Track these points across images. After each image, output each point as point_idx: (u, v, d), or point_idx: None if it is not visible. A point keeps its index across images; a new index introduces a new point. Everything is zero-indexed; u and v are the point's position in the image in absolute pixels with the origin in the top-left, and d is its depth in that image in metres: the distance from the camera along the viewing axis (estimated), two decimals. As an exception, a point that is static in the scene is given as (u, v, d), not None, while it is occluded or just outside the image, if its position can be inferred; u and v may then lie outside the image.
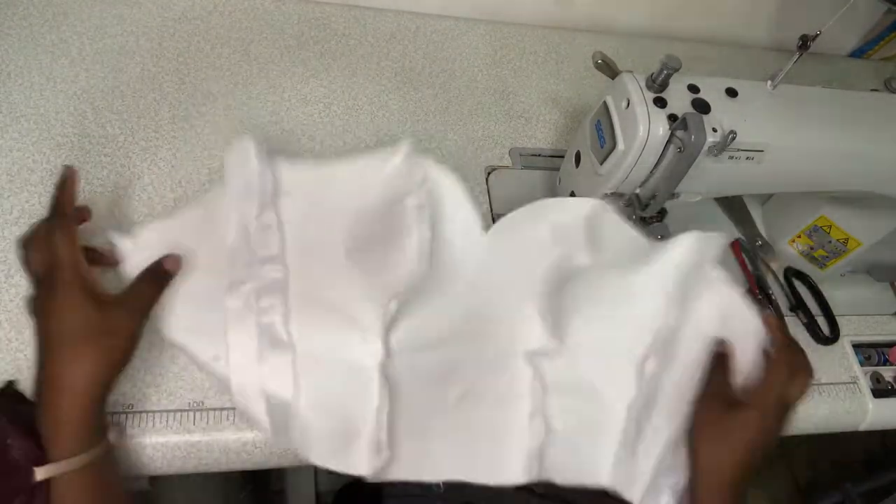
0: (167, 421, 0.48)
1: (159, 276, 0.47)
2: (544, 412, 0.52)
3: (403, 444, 0.49)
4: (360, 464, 0.47)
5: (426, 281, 0.52)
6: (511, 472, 0.50)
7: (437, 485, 0.49)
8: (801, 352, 0.51)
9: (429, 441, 0.50)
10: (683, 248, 0.51)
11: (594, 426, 0.53)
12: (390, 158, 0.52)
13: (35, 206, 0.54)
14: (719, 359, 0.52)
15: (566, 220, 0.54)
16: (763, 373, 0.50)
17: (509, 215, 0.54)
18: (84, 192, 0.56)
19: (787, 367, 0.49)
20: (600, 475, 0.52)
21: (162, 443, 0.48)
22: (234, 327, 0.47)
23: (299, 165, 0.52)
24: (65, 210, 0.45)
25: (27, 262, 0.45)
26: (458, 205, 0.54)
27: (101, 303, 0.43)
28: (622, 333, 0.53)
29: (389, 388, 0.50)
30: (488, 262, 0.54)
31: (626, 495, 0.51)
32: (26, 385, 0.46)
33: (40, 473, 0.39)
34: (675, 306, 0.51)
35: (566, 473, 0.52)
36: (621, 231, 0.54)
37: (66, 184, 0.46)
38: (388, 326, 0.50)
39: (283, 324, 0.48)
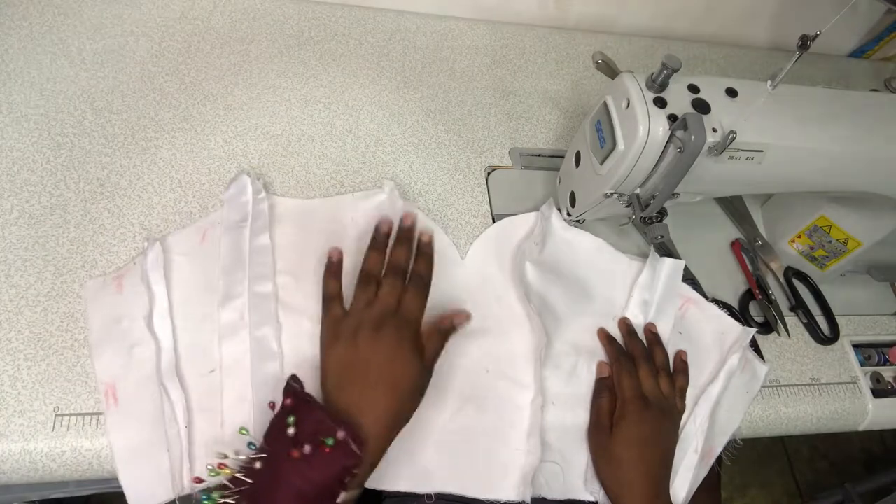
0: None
1: (446, 330, 0.50)
2: (542, 427, 0.53)
3: (397, 455, 0.49)
4: None
5: None
6: (505, 489, 0.51)
7: (429, 496, 0.50)
8: (632, 352, 0.57)
9: (424, 451, 0.51)
10: (666, 271, 0.60)
11: (581, 435, 0.55)
12: (377, 194, 0.61)
13: (35, 206, 0.54)
14: (598, 384, 0.56)
15: (525, 231, 0.63)
16: (616, 382, 0.55)
17: (480, 239, 0.62)
18: (83, 193, 0.56)
19: (625, 372, 0.55)
20: (581, 489, 0.53)
21: (162, 443, 0.48)
22: (228, 339, 0.50)
23: (290, 199, 0.60)
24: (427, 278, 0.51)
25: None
26: (436, 232, 0.61)
27: (422, 360, 0.47)
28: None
29: None
30: (468, 280, 0.59)
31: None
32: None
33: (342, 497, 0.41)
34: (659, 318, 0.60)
35: (555, 489, 0.53)
36: (567, 230, 0.63)
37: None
38: None
39: (274, 337, 0.51)
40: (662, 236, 0.57)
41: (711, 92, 0.50)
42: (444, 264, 0.59)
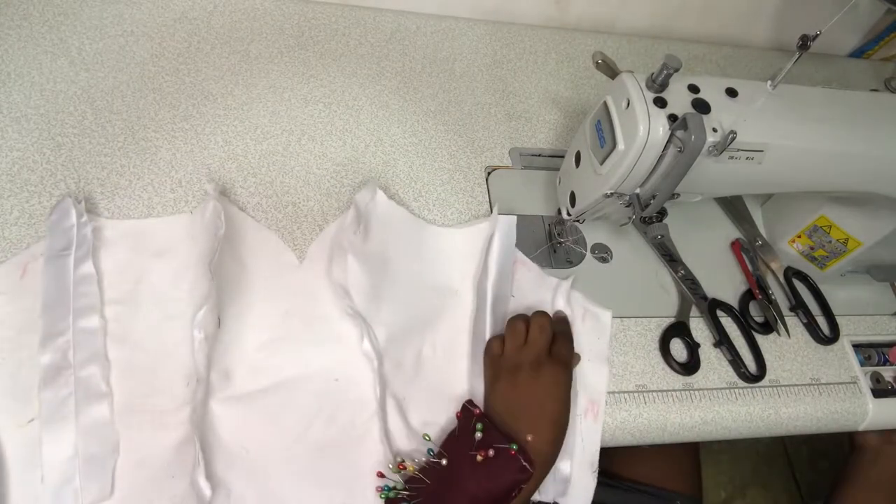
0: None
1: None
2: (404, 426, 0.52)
3: (246, 489, 0.47)
4: None
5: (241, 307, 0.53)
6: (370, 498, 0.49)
7: None
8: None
9: (281, 483, 0.48)
10: (502, 228, 0.59)
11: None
12: (207, 206, 0.54)
13: (35, 206, 0.54)
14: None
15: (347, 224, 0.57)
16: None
17: (316, 241, 0.59)
18: (83, 193, 0.56)
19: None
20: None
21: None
22: (50, 383, 0.46)
23: (120, 221, 0.55)
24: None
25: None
26: (265, 239, 0.57)
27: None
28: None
29: (215, 434, 0.48)
30: (306, 284, 0.56)
31: None
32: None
33: None
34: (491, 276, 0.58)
35: None
36: (391, 210, 0.60)
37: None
38: (209, 367, 0.49)
39: (102, 376, 0.47)
40: (662, 236, 0.57)
41: (711, 92, 0.50)
42: (279, 269, 0.56)
